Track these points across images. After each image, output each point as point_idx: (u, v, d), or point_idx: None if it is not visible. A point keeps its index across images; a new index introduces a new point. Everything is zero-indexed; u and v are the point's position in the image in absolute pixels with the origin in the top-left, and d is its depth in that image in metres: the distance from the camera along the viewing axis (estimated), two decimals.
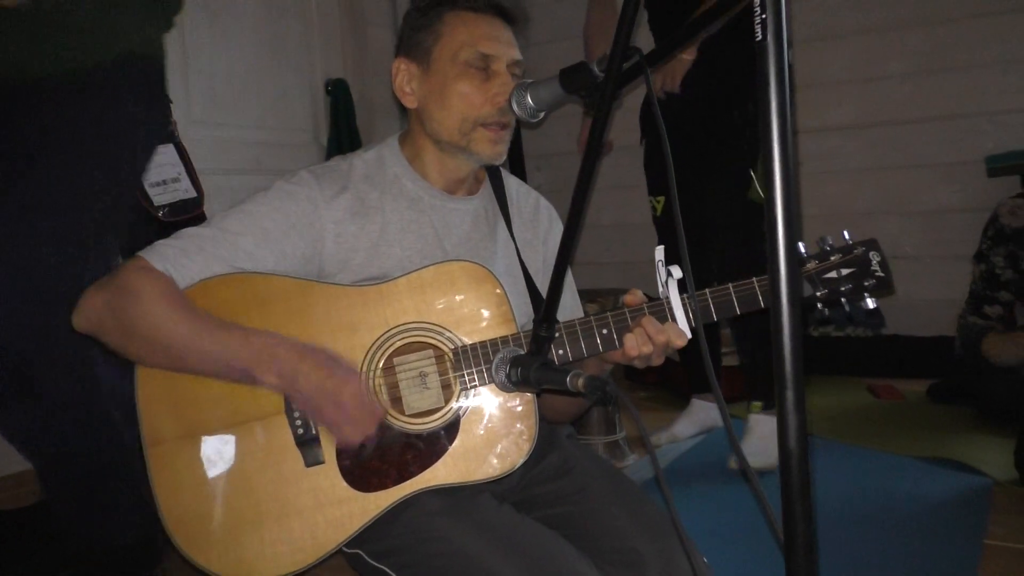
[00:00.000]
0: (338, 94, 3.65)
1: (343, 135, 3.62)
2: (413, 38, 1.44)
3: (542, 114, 1.35)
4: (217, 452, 1.26)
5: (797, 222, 0.68)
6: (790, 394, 0.69)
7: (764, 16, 0.67)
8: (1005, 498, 2.10)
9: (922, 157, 3.66)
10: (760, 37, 0.67)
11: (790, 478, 0.70)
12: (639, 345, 1.27)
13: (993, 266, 2.19)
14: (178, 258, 1.28)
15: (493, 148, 1.42)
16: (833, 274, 1.33)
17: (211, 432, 1.27)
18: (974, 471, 2.27)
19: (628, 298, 1.33)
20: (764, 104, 0.68)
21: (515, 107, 1.34)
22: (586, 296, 3.20)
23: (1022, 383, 2.20)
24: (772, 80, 0.68)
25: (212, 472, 1.26)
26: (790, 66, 0.68)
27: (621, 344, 1.29)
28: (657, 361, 1.30)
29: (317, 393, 1.23)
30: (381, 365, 1.30)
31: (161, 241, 1.30)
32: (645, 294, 1.35)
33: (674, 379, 3.31)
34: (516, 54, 1.42)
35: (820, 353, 3.61)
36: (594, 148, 1.09)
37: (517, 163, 4.34)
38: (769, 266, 0.69)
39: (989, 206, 2.95)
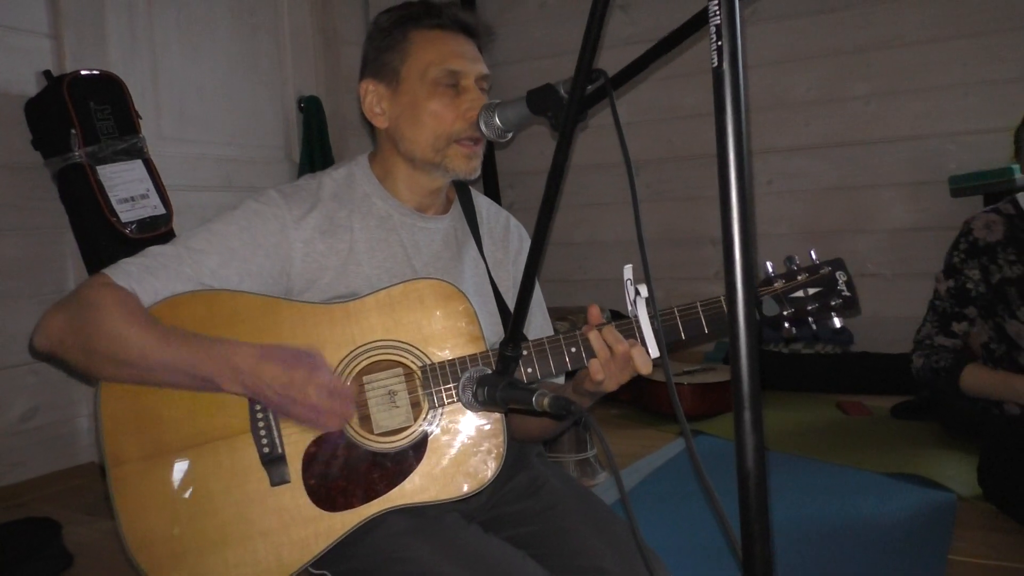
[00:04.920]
0: (311, 111, 3.65)
1: (315, 152, 3.62)
2: (379, 59, 1.45)
3: (510, 134, 1.36)
4: (181, 472, 1.25)
5: (753, 246, 0.69)
6: (747, 415, 0.70)
7: (720, 43, 0.68)
8: (969, 513, 2.12)
9: (887, 177, 3.73)
10: (716, 64, 0.69)
11: (748, 498, 0.71)
12: (601, 349, 1.27)
13: (965, 280, 2.20)
14: (142, 276, 1.26)
15: (468, 164, 1.43)
16: (800, 293, 1.34)
17: (175, 452, 1.25)
18: (939, 487, 2.30)
19: (590, 315, 1.33)
20: (721, 129, 0.70)
21: (483, 127, 1.35)
22: (557, 314, 3.22)
23: (985, 401, 2.23)
24: (728, 106, 0.69)
25: (176, 493, 1.24)
26: (746, 92, 0.70)
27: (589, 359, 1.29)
28: (623, 377, 1.30)
29: (282, 396, 1.22)
30: (349, 384, 1.30)
31: (125, 259, 1.29)
32: (611, 311, 1.36)
33: (646, 397, 3.33)
34: (483, 68, 1.44)
35: (790, 370, 3.65)
36: (559, 167, 1.10)
37: (491, 181, 4.36)
38: (726, 288, 0.70)
39: (953, 225, 3.00)
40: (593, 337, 1.27)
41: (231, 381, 1.22)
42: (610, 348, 1.26)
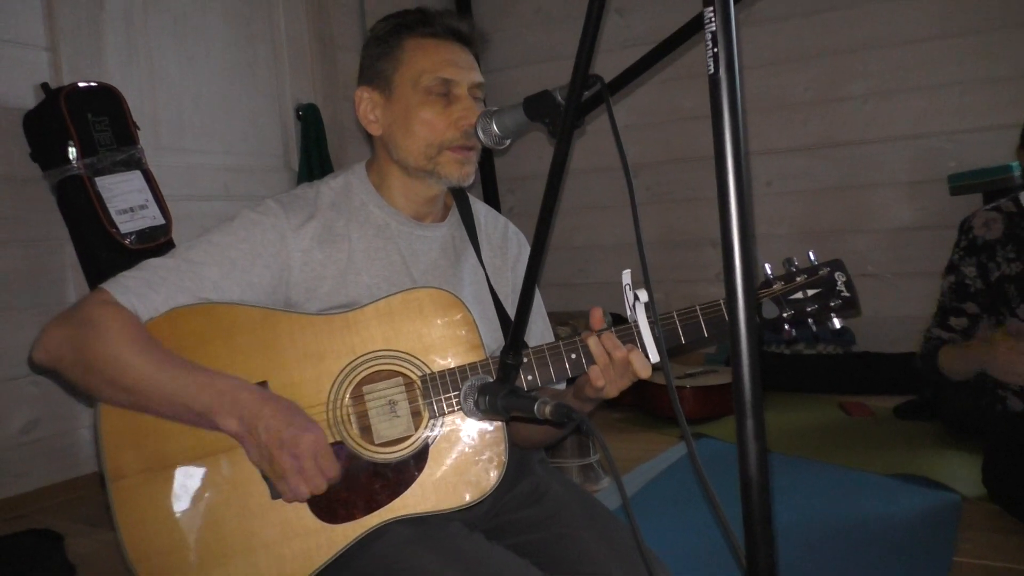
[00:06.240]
0: (309, 119, 3.65)
1: (314, 160, 3.62)
2: (374, 66, 1.45)
3: (508, 141, 1.35)
4: (181, 485, 1.24)
5: (753, 253, 0.69)
6: (750, 422, 0.70)
7: (716, 50, 0.68)
8: (974, 514, 2.12)
9: (886, 176, 3.73)
10: (713, 71, 0.69)
11: (751, 505, 0.70)
12: (600, 355, 1.26)
13: (964, 276, 2.23)
14: (141, 290, 1.26)
15: (461, 170, 1.42)
16: (799, 295, 1.34)
17: (175, 465, 1.25)
18: (943, 487, 2.29)
19: (593, 318, 1.33)
20: (718, 135, 0.70)
21: (481, 134, 1.34)
22: (558, 319, 3.21)
23: (988, 397, 2.23)
24: (725, 112, 0.69)
25: (176, 506, 1.24)
26: (742, 97, 0.70)
27: (589, 365, 1.29)
28: (622, 383, 1.30)
29: (274, 441, 1.20)
30: (349, 393, 1.29)
31: (124, 273, 1.29)
32: (612, 314, 1.35)
33: (648, 400, 3.32)
34: (476, 76, 1.43)
35: (792, 371, 3.64)
36: (557, 174, 1.10)
37: (490, 186, 4.37)
38: (726, 295, 0.69)
39: (953, 224, 3.00)
40: (592, 343, 1.27)
41: (229, 415, 1.20)
42: (609, 354, 1.26)
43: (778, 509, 1.94)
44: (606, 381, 1.27)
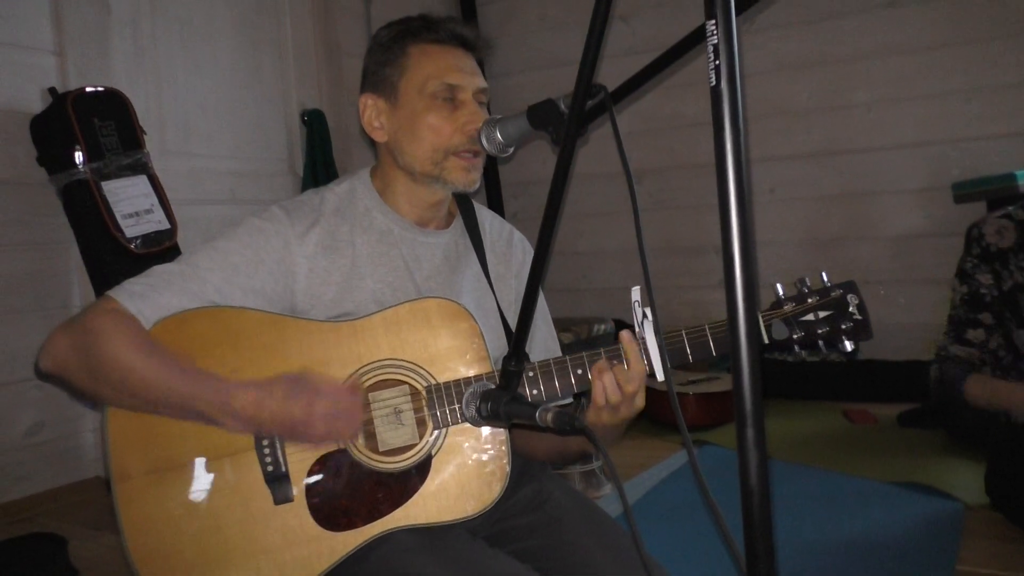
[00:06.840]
0: (314, 124, 3.66)
1: (319, 165, 3.63)
2: (378, 73, 1.46)
3: (511, 149, 1.36)
4: (185, 489, 1.25)
5: (753, 264, 0.69)
6: (750, 432, 0.70)
7: (718, 63, 0.68)
8: (976, 523, 2.11)
9: (890, 184, 3.72)
10: (715, 83, 0.69)
11: (752, 515, 0.71)
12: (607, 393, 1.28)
13: (978, 285, 2.19)
14: (147, 295, 1.27)
15: (467, 176, 1.43)
16: (810, 316, 1.32)
17: (180, 468, 1.25)
18: (945, 496, 2.28)
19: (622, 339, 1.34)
20: (720, 147, 0.70)
21: (484, 142, 1.35)
22: (562, 324, 3.21)
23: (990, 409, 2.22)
24: (727, 124, 0.69)
25: (180, 509, 1.24)
26: (744, 110, 0.70)
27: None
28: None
29: (288, 427, 1.22)
30: (352, 386, 1.30)
31: (130, 279, 1.29)
32: (615, 320, 1.36)
33: (652, 407, 3.31)
34: (481, 82, 1.44)
35: (795, 378, 3.64)
36: (561, 180, 1.10)
37: (494, 191, 4.37)
38: (727, 306, 0.70)
39: (957, 231, 2.99)
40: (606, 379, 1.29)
41: (234, 422, 1.23)
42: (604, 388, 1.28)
43: (780, 516, 1.94)
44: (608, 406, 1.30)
